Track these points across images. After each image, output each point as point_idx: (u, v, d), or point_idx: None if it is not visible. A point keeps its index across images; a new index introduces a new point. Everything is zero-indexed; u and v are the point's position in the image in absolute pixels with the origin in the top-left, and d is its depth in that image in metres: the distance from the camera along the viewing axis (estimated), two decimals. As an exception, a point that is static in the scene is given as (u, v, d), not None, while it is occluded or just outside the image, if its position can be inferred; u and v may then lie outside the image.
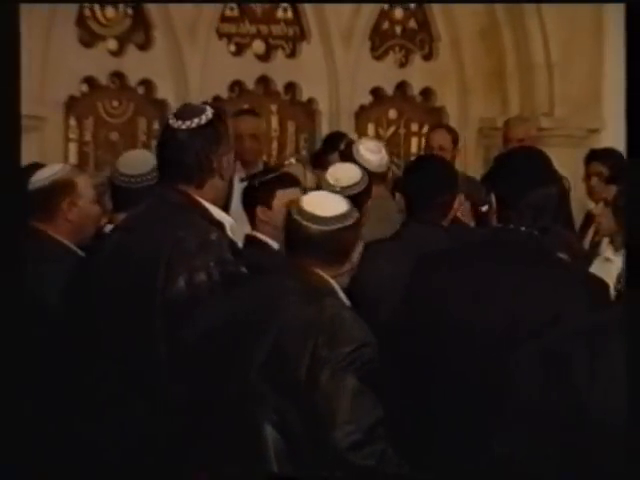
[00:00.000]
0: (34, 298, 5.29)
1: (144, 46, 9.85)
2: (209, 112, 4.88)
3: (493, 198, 5.15)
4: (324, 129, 10.14)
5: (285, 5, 10.21)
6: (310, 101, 10.36)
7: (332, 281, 4.61)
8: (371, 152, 7.18)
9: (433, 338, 5.01)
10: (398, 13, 10.42)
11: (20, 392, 4.63)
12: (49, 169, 6.37)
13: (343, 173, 6.53)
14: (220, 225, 4.91)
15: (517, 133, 9.43)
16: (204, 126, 4.84)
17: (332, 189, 5.97)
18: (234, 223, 5.11)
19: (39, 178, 6.14)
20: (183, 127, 4.84)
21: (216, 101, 9.78)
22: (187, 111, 5.00)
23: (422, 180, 6.38)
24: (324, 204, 4.62)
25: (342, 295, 4.62)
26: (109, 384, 4.90)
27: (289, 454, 4.41)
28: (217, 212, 4.97)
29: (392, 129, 10.50)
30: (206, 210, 4.89)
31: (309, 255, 4.59)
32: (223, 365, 4.51)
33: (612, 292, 4.94)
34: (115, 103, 9.72)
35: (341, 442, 4.29)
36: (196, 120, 4.83)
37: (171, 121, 4.93)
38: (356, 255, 4.68)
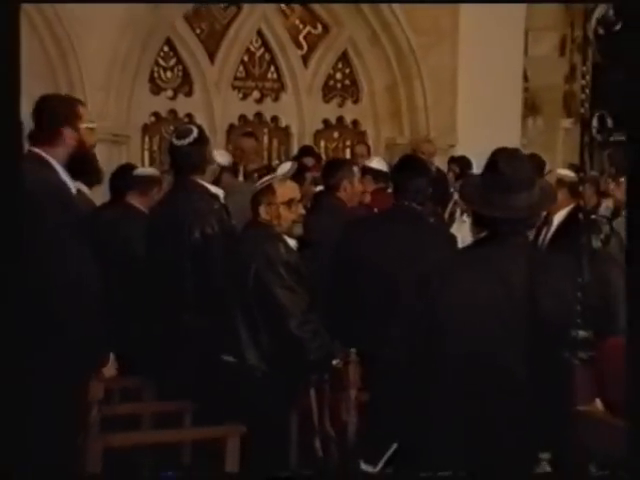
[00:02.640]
0: (129, 244, 5.47)
1: (188, 94, 9.47)
2: (195, 132, 4.70)
3: (391, 185, 5.16)
4: (295, 144, 9.80)
5: (272, 69, 9.78)
6: (287, 127, 9.94)
7: (277, 230, 4.42)
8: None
9: (356, 271, 4.94)
10: (339, 75, 9.95)
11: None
12: (145, 169, 6.42)
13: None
14: (217, 196, 4.74)
15: (419, 148, 9.05)
16: (194, 141, 4.65)
17: None
18: (224, 193, 4.87)
19: (142, 174, 6.17)
20: (179, 144, 4.67)
21: (231, 127, 9.61)
22: (183, 132, 4.74)
23: (326, 171, 6.22)
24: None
25: (286, 239, 4.43)
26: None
27: (256, 333, 4.27)
28: (213, 188, 4.77)
29: (335, 144, 10.09)
30: (207, 189, 4.71)
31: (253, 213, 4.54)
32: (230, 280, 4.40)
33: (460, 242, 4.97)
34: (171, 127, 8.92)
35: (289, 323, 4.19)
36: (187, 139, 4.64)
37: (174, 140, 4.74)
38: (267, 211, 4.45)
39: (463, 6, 9.62)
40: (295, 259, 4.34)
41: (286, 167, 4.63)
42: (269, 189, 4.47)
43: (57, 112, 3.93)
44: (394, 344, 3.17)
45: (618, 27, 2.36)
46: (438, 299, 3.06)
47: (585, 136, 2.42)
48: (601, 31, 2.40)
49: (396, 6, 9.53)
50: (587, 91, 2.45)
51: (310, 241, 4.87)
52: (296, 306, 4.23)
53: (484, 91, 9.43)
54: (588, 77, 2.46)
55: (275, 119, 9.97)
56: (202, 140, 4.74)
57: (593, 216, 2.47)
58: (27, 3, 7.46)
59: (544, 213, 5.06)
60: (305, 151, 9.02)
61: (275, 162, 9.61)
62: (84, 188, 5.46)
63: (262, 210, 4.44)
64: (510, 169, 3.06)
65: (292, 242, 4.46)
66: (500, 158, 3.10)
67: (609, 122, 2.40)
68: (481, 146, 3.24)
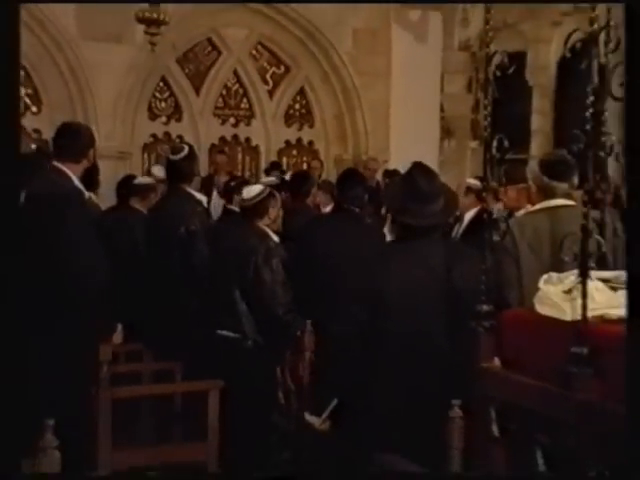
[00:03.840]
0: (134, 238, 5.35)
1: (179, 120, 9.53)
2: (186, 150, 4.62)
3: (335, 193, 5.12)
4: (263, 160, 9.87)
5: (245, 101, 9.83)
6: (256, 146, 9.95)
7: (267, 229, 4.40)
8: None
9: (313, 259, 4.82)
10: (297, 106, 9.99)
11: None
12: (144, 179, 6.18)
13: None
14: (201, 202, 4.68)
15: (366, 164, 9.06)
16: (185, 157, 4.57)
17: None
18: (207, 199, 4.84)
19: (142, 182, 6.02)
20: (172, 159, 4.59)
21: (212, 147, 9.63)
22: (177, 149, 4.66)
23: (298, 182, 6.16)
24: (247, 191, 4.51)
25: (272, 235, 4.40)
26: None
27: (250, 312, 4.27)
28: (198, 195, 4.70)
29: (294, 160, 10.12)
30: (194, 196, 4.64)
31: (247, 216, 4.47)
32: (225, 271, 4.35)
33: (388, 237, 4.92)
34: (166, 147, 8.85)
35: (279, 310, 4.21)
36: (180, 155, 4.56)
37: (170, 155, 4.66)
38: (273, 215, 4.42)
39: (395, 53, 9.76)
40: (284, 255, 4.32)
41: (271, 179, 4.65)
42: (273, 196, 4.46)
43: (87, 137, 3.98)
44: (344, 318, 3.13)
45: (511, 71, 2.42)
46: (379, 281, 3.03)
47: (487, 154, 2.46)
48: (498, 74, 2.44)
49: (343, 52, 9.66)
50: (488, 119, 2.48)
51: (290, 237, 4.84)
52: (285, 297, 4.24)
53: (411, 119, 9.52)
54: (489, 109, 2.50)
55: (247, 140, 10.00)
56: (192, 156, 4.67)
57: (494, 216, 2.51)
58: (27, 3, 7.31)
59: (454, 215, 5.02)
60: (274, 166, 9.15)
61: (247, 173, 9.76)
62: (91, 194, 5.40)
63: (271, 211, 4.41)
64: (424, 183, 3.06)
65: (276, 237, 4.42)
66: (416, 173, 3.08)
67: (505, 143, 2.43)
68: (409, 161, 3.28)
